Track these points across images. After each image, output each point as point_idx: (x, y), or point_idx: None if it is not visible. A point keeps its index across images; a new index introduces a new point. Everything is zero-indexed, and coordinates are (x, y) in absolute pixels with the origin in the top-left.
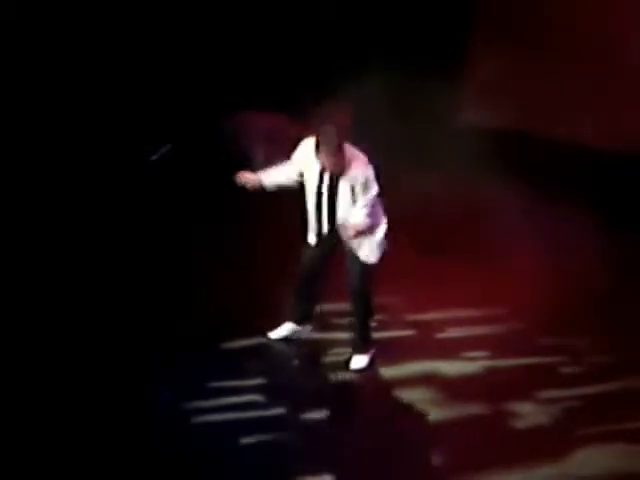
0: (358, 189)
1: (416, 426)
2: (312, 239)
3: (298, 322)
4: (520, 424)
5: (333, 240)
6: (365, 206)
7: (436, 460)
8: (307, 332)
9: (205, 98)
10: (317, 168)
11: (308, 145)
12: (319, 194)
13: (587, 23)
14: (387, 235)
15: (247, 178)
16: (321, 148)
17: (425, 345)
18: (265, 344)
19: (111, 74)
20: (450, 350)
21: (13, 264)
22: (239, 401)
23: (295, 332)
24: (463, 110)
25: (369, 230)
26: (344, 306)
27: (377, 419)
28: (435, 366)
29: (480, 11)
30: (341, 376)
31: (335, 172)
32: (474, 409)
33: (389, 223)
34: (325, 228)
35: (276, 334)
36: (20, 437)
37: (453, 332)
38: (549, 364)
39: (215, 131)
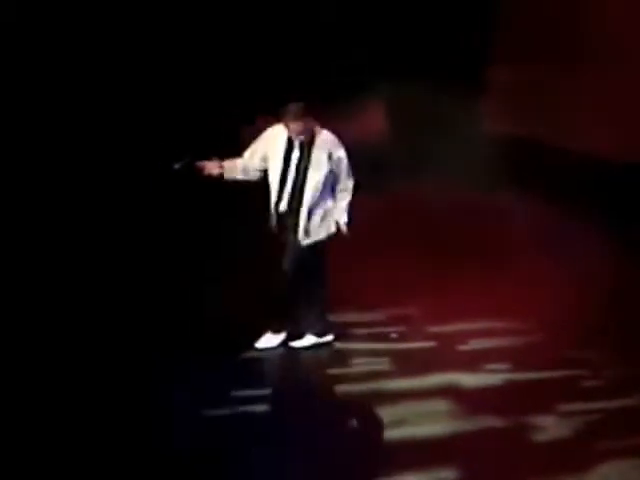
0: (338, 166)
1: (435, 438)
2: (273, 221)
3: (277, 330)
4: (540, 437)
5: (295, 226)
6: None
7: (455, 472)
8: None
9: (226, 106)
10: (283, 143)
11: (274, 127)
12: (286, 168)
13: (604, 38)
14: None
15: (208, 167)
16: (287, 113)
17: (445, 357)
18: (283, 353)
19: (128, 79)
20: (470, 362)
21: (36, 265)
22: (258, 410)
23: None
24: (481, 119)
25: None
26: (364, 317)
27: (395, 430)
28: (455, 378)
29: (501, 23)
30: (359, 387)
31: (301, 137)
32: (493, 421)
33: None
34: (285, 203)
35: (261, 344)
36: (32, 439)
37: (474, 344)
38: (570, 377)
39: (236, 140)
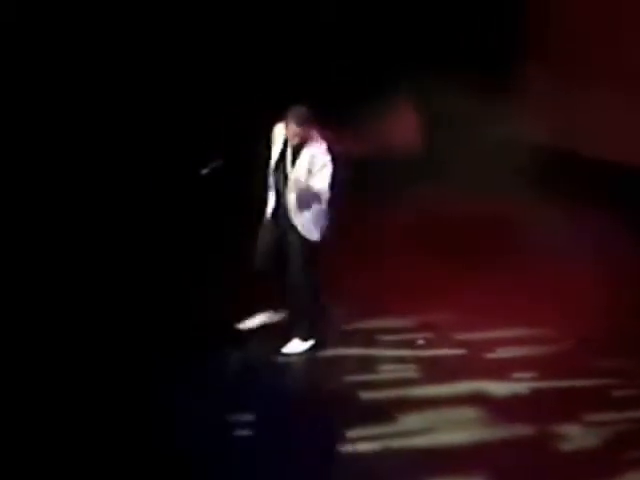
0: (316, 166)
1: (462, 445)
2: (269, 212)
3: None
4: (567, 446)
5: (287, 221)
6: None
7: None
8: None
9: (259, 112)
10: (281, 144)
11: (278, 126)
12: (277, 169)
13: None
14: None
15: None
16: (290, 116)
17: (473, 364)
18: (313, 359)
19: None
20: (498, 370)
21: (58, 265)
22: (280, 416)
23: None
24: (511, 125)
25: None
26: (391, 323)
27: (422, 438)
28: (483, 386)
29: (532, 30)
30: (386, 393)
31: (294, 142)
32: (520, 430)
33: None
34: (274, 204)
35: (246, 325)
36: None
37: (502, 352)
38: (598, 386)
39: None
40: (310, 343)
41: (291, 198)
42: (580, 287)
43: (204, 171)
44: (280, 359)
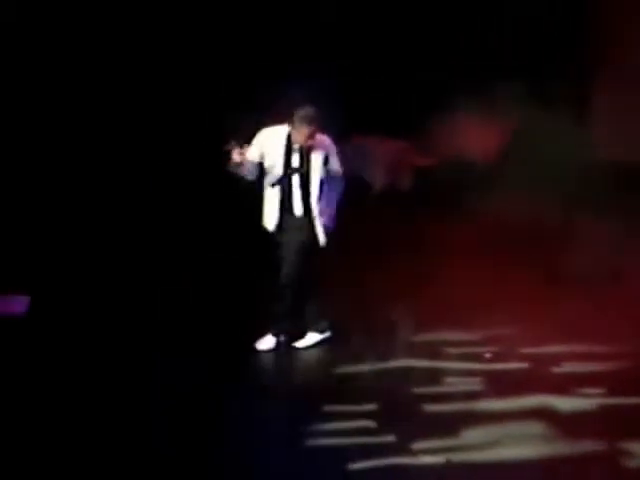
0: (332, 160)
1: (526, 460)
2: (272, 224)
3: (278, 334)
4: (633, 464)
5: (295, 225)
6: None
7: None
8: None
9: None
10: (282, 146)
11: (270, 129)
12: (286, 171)
13: None
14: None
15: (238, 153)
16: (301, 117)
17: (539, 379)
18: (379, 371)
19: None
20: (565, 385)
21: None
22: (351, 426)
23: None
24: (592, 143)
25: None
26: (458, 336)
27: (487, 452)
28: (548, 401)
29: (611, 46)
30: (451, 406)
31: (304, 144)
32: (586, 446)
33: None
34: (297, 209)
35: (263, 345)
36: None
37: (569, 367)
38: None
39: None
40: (328, 333)
41: (314, 199)
42: None
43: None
44: (346, 369)
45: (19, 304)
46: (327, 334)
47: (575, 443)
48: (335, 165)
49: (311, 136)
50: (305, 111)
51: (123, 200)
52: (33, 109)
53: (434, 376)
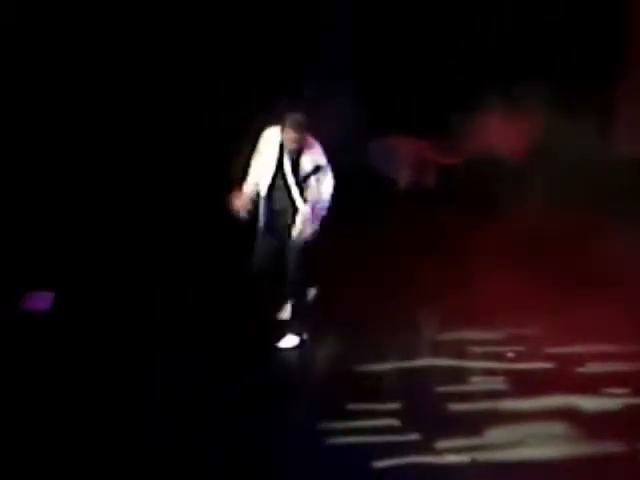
0: (319, 172)
1: (550, 460)
2: (262, 222)
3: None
4: None
5: (284, 223)
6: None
7: None
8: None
9: (354, 120)
10: (276, 148)
11: (270, 131)
12: (277, 173)
13: None
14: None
15: (239, 201)
16: (290, 122)
17: (563, 379)
18: (403, 369)
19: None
20: (589, 385)
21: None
22: (376, 424)
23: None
24: (614, 142)
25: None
26: (482, 335)
27: (510, 451)
28: (572, 401)
29: (631, 43)
30: (475, 406)
31: (292, 149)
32: (610, 446)
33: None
34: (279, 205)
35: (285, 344)
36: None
37: (593, 367)
38: None
39: (362, 153)
40: (301, 337)
41: (299, 203)
42: None
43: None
44: (370, 368)
45: (44, 301)
46: (303, 337)
47: (599, 443)
48: (322, 170)
49: (297, 141)
50: (293, 117)
51: (142, 199)
52: (45, 107)
53: (458, 375)
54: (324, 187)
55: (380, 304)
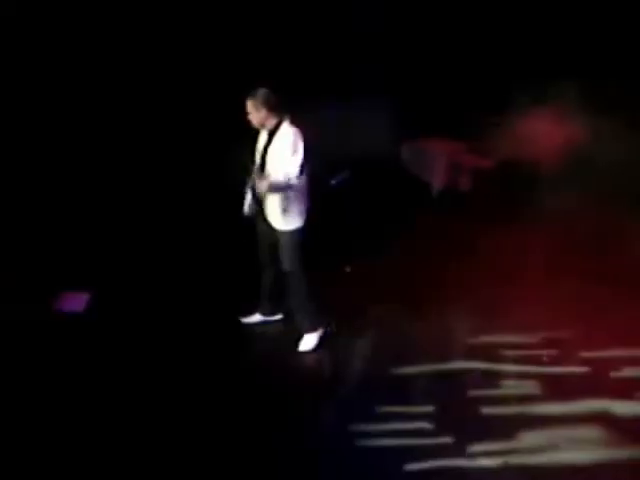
0: (287, 151)
1: (583, 465)
2: (245, 206)
3: (267, 314)
4: None
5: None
6: (290, 167)
7: None
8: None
9: (386, 125)
10: (264, 141)
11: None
12: (260, 156)
13: None
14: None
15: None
16: (248, 102)
17: (598, 383)
18: (436, 371)
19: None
20: (624, 390)
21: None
22: (408, 427)
23: (265, 321)
24: None
25: (284, 197)
26: (516, 338)
27: (543, 455)
28: (607, 405)
29: None
30: (507, 409)
31: (257, 125)
32: None
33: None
34: (252, 189)
35: (248, 320)
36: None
37: (629, 372)
38: None
39: (395, 156)
40: (319, 332)
41: (261, 186)
42: None
43: (333, 181)
44: (403, 370)
45: (78, 302)
46: (276, 317)
47: (634, 448)
48: (294, 154)
49: (252, 117)
50: (256, 93)
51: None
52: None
53: (492, 378)
54: (286, 165)
55: (413, 306)
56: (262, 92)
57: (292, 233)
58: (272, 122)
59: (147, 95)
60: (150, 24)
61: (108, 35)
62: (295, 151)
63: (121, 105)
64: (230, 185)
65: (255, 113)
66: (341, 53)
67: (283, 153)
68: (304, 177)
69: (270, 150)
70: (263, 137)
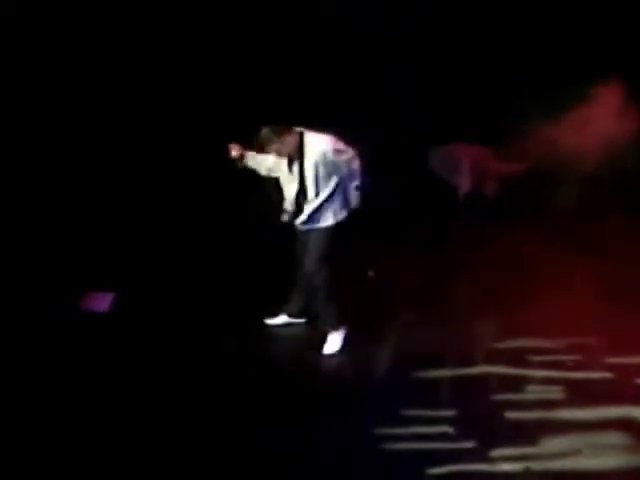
0: (322, 164)
1: (607, 471)
2: (284, 217)
3: (293, 315)
4: None
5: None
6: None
7: None
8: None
9: (413, 130)
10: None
11: None
12: (290, 178)
13: None
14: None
15: (235, 151)
16: (265, 148)
17: (622, 389)
18: (459, 375)
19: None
20: None
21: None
22: (430, 431)
23: (289, 323)
24: None
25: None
26: (541, 343)
27: (566, 461)
28: (631, 411)
29: None
30: (531, 414)
31: (286, 155)
32: None
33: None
34: (298, 206)
35: (272, 322)
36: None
37: None
38: None
39: (422, 161)
40: (341, 333)
41: (311, 192)
42: None
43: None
44: (426, 374)
45: (103, 301)
46: (300, 320)
47: None
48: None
49: (282, 149)
50: (262, 136)
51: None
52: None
53: (515, 383)
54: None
55: (439, 311)
56: (266, 130)
57: (323, 230)
58: (296, 140)
59: (153, 100)
60: (151, 27)
61: (108, 42)
62: (338, 146)
63: (129, 110)
64: (258, 186)
65: (280, 146)
66: (372, 55)
67: (324, 156)
68: (339, 176)
69: (306, 165)
70: (282, 167)
